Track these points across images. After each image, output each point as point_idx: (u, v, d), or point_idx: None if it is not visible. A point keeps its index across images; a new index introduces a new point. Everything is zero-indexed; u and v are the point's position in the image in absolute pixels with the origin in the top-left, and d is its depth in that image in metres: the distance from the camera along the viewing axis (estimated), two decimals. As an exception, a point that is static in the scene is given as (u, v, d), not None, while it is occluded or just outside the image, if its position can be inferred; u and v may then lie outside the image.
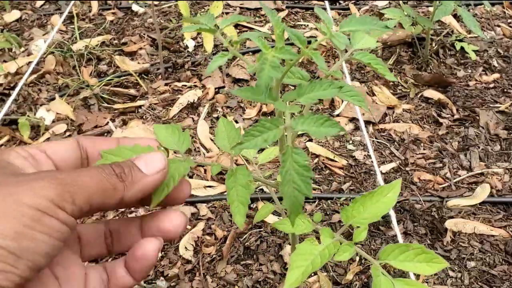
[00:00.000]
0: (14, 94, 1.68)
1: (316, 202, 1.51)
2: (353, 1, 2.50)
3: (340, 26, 0.67)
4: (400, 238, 0.87)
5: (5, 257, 0.44)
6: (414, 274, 1.09)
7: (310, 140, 1.75)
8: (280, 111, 0.66)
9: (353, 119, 1.82)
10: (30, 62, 2.05)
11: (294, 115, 0.64)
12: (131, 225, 0.63)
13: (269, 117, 1.87)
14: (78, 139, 0.62)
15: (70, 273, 0.57)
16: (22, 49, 2.22)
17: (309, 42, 0.65)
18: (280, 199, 1.06)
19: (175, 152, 0.73)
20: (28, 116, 1.79)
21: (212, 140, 1.74)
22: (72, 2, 2.23)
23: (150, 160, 0.59)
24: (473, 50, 2.04)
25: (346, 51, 0.81)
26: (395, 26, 2.12)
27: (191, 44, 2.23)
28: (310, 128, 0.61)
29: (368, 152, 1.70)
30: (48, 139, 1.77)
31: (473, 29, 1.77)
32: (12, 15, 2.49)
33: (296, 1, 2.54)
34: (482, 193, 1.52)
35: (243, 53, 2.17)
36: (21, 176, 0.49)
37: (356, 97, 0.76)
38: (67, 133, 1.80)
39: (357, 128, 1.80)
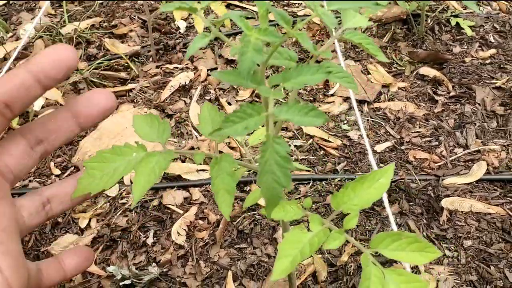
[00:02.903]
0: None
1: (311, 183, 1.49)
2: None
3: (328, 4, 0.64)
4: (392, 220, 0.85)
5: None
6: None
7: (304, 120, 1.72)
8: (266, 97, 0.63)
9: (347, 99, 1.79)
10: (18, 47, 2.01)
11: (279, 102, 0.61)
12: (64, 121, 0.61)
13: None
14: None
15: None
16: (10, 34, 2.17)
17: (295, 23, 0.62)
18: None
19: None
20: (17, 102, 1.76)
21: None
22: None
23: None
24: (469, 26, 2.00)
25: (339, 30, 0.78)
26: (390, 3, 2.08)
27: (182, 25, 2.19)
28: (294, 117, 0.58)
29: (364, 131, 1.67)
30: (38, 125, 1.74)
31: (468, 4, 1.73)
32: (-1, -1, 2.44)
33: (289, -22, 2.49)
34: (478, 170, 1.50)
35: (236, 34, 2.13)
36: None
37: (346, 78, 0.73)
38: (58, 119, 1.77)
39: (351, 107, 1.77)
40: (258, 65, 0.63)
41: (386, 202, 0.89)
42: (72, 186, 0.68)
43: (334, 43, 1.52)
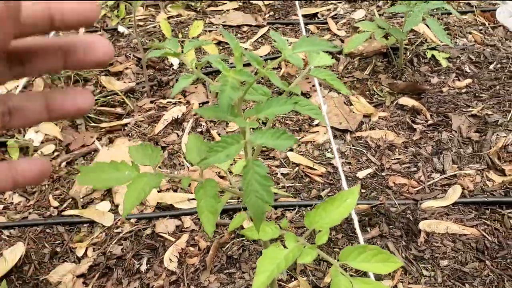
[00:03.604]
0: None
1: (296, 209, 1.58)
2: (331, 16, 2.58)
3: (293, 48, 0.74)
4: (361, 239, 0.93)
5: None
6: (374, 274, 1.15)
7: (291, 150, 1.82)
8: (243, 127, 0.73)
9: (331, 128, 1.89)
10: (18, 86, 2.12)
11: (253, 130, 0.70)
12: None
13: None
14: None
15: None
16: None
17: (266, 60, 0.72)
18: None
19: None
20: (16, 138, 1.85)
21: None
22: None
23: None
24: (444, 58, 2.12)
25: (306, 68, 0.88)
26: (370, 38, 2.21)
27: (175, 62, 2.30)
28: (268, 141, 0.67)
29: (346, 159, 1.77)
30: (37, 159, 1.83)
31: (440, 38, 1.86)
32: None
33: (277, 18, 2.62)
34: (453, 194, 1.59)
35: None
36: None
37: (313, 110, 0.83)
38: (56, 153, 1.86)
39: (335, 136, 1.87)
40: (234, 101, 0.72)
41: (356, 224, 0.98)
42: (40, 102, 0.58)
43: (314, 79, 1.63)
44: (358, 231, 0.97)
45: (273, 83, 0.71)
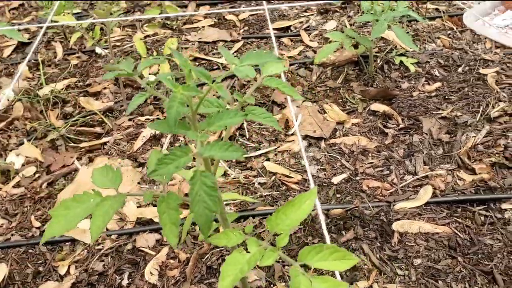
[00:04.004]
0: (-18, 142, 1.77)
1: (273, 217, 1.61)
2: (304, 28, 2.64)
3: (240, 61, 0.79)
4: (327, 240, 0.97)
5: None
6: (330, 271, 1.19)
7: (268, 160, 1.86)
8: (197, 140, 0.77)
9: (306, 137, 1.93)
10: (-3, 111, 2.15)
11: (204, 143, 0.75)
12: None
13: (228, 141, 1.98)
14: None
15: None
16: (-10, 98, 2.31)
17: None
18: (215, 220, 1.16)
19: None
20: (-3, 162, 1.88)
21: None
22: (32, 50, 2.34)
23: None
24: (413, 63, 2.18)
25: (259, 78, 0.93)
26: (342, 48, 2.27)
27: (152, 79, 2.34)
28: (216, 153, 0.72)
29: (322, 165, 1.81)
30: (18, 182, 1.86)
31: (406, 44, 1.92)
32: (-21, 67, 2.59)
33: (251, 32, 2.68)
34: (425, 194, 1.63)
35: (202, 84, 2.29)
36: None
37: (268, 118, 0.88)
38: (37, 175, 1.89)
39: (310, 144, 1.91)
40: (184, 116, 0.77)
41: (323, 226, 1.02)
42: None
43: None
44: (325, 232, 1.01)
45: (227, 96, 0.76)
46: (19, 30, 2.70)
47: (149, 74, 2.30)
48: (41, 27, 2.60)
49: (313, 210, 1.61)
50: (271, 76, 0.92)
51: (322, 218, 1.04)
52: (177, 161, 0.70)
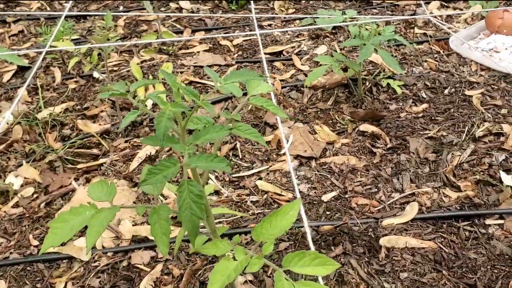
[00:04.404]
0: (-18, 163, 1.82)
1: (264, 234, 1.66)
2: (296, 52, 2.73)
3: (224, 79, 0.86)
4: (311, 244, 1.03)
5: None
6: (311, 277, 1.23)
7: (260, 179, 1.92)
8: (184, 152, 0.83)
9: (297, 156, 2.00)
10: (-3, 133, 2.21)
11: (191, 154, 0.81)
12: None
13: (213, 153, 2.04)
14: None
15: None
16: (-9, 122, 2.37)
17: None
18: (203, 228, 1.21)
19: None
20: (-3, 183, 1.93)
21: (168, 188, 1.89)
22: (31, 74, 2.41)
23: None
24: (399, 85, 2.26)
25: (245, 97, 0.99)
26: (332, 71, 2.35)
27: (149, 102, 2.42)
28: (202, 164, 0.77)
29: (312, 184, 1.87)
30: (17, 202, 1.90)
31: (392, 67, 2.00)
32: (-20, 92, 2.66)
33: (245, 57, 2.77)
34: (411, 211, 1.69)
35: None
36: None
37: (253, 133, 0.94)
38: (35, 195, 1.94)
39: (301, 164, 1.97)
40: (172, 130, 0.83)
41: (309, 239, 1.07)
42: None
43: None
44: (310, 243, 1.06)
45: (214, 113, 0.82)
46: (18, 55, 2.79)
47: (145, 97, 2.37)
48: (40, 53, 2.68)
49: (301, 227, 1.66)
50: (257, 96, 0.98)
51: (308, 230, 1.09)
52: (166, 171, 0.76)
